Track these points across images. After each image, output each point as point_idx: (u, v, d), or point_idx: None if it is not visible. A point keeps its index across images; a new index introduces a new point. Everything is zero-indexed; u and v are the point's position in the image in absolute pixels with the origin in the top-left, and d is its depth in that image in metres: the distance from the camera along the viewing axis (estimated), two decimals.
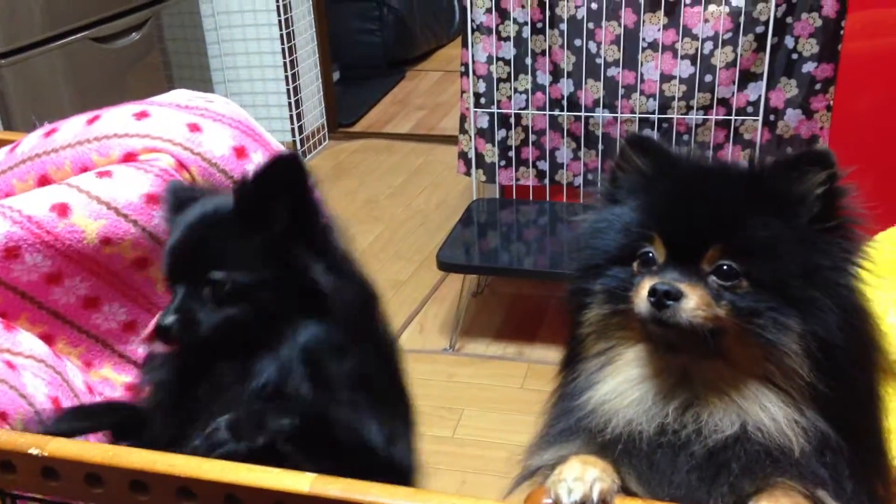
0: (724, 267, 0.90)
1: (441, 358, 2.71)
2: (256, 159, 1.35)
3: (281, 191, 1.04)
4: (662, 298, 0.88)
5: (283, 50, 4.14)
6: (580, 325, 1.00)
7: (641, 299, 0.90)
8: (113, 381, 1.31)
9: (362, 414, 1.08)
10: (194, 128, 1.32)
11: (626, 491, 0.89)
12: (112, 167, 1.29)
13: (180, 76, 3.86)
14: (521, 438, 2.24)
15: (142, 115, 1.34)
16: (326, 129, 4.65)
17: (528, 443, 1.04)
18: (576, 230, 1.07)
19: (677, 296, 0.88)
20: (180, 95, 1.38)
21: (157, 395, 1.14)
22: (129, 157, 1.31)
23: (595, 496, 0.81)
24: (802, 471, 0.88)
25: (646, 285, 0.90)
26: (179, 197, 1.14)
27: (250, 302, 1.05)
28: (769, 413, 0.90)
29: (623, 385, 0.95)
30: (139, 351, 1.33)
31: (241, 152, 1.34)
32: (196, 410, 1.08)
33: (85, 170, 1.30)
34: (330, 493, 0.87)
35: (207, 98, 1.39)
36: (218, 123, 1.34)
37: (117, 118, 1.35)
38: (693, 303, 0.88)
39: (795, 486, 0.84)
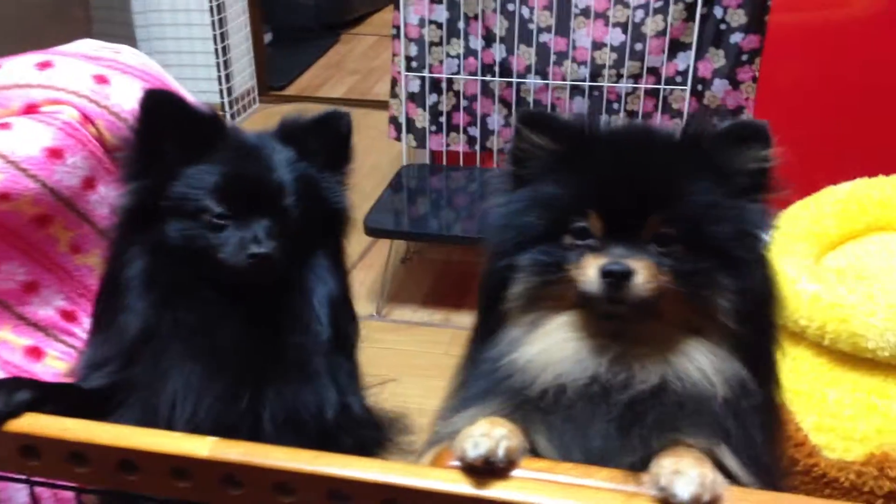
0: (664, 234, 0.93)
1: (367, 324, 2.68)
2: None
3: (327, 134, 1.13)
4: (619, 279, 0.90)
5: (212, 8, 4.01)
6: (504, 300, 1.00)
7: (591, 279, 0.91)
8: (12, 344, 1.25)
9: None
10: (101, 79, 1.26)
11: (534, 454, 0.89)
12: (11, 119, 1.23)
13: (101, 32, 3.71)
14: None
15: (45, 65, 1.28)
16: (257, 92, 4.54)
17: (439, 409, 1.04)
18: (486, 216, 1.08)
19: (630, 275, 0.90)
20: (87, 45, 1.32)
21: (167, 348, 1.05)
22: (31, 109, 1.25)
23: (501, 453, 0.81)
24: (711, 424, 0.90)
25: (592, 263, 0.92)
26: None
27: (300, 236, 1.07)
28: (696, 363, 0.93)
29: (555, 344, 0.96)
30: (40, 312, 1.27)
31: None
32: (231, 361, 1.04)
33: None
34: (230, 457, 0.85)
35: (115, 49, 1.33)
36: (127, 76, 1.29)
37: (19, 67, 1.29)
38: (643, 277, 0.90)
39: (698, 444, 0.85)
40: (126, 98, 1.25)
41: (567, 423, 0.92)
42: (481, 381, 0.99)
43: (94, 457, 0.88)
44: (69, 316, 1.29)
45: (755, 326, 0.95)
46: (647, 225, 0.93)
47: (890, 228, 1.85)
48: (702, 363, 0.93)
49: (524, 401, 0.93)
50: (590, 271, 0.91)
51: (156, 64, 1.34)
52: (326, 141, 1.13)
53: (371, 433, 1.19)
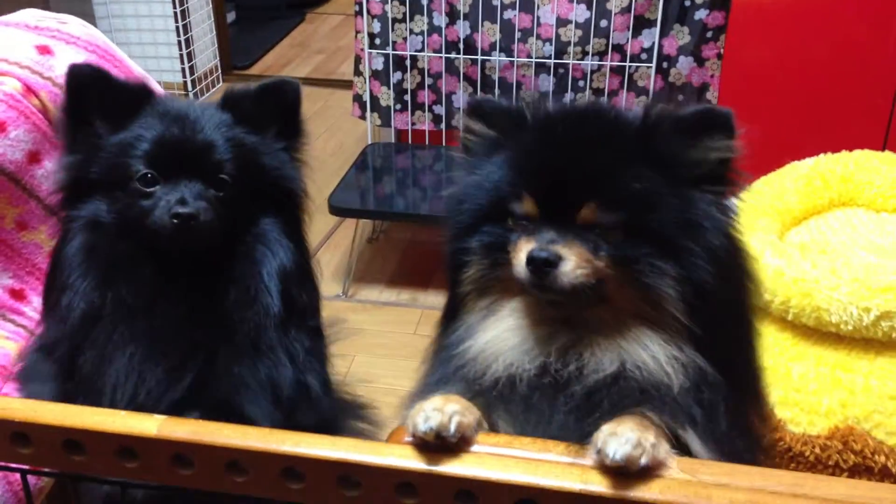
0: (600, 219, 0.89)
1: (334, 304, 2.66)
2: None
3: (272, 102, 1.08)
4: (542, 266, 0.87)
5: None
6: (461, 284, 0.98)
7: (520, 264, 0.89)
8: None
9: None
10: (44, 50, 1.21)
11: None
12: None
13: (59, 9, 3.62)
14: (410, 384, 2.21)
15: None
16: (220, 71, 4.46)
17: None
18: (446, 200, 1.06)
19: (555, 261, 0.87)
20: (29, 15, 1.27)
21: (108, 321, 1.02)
22: None
23: (452, 428, 0.78)
24: (675, 410, 0.88)
25: (523, 248, 0.90)
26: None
27: (239, 203, 1.04)
28: (649, 351, 0.90)
29: (504, 332, 0.94)
30: None
31: None
32: (176, 332, 1.02)
33: None
34: (178, 435, 0.82)
35: (60, 19, 1.28)
36: (72, 46, 1.24)
37: None
38: (572, 264, 0.87)
39: (651, 416, 0.84)
40: None
41: (527, 412, 0.90)
42: (442, 367, 0.98)
43: (39, 437, 0.85)
44: (17, 294, 1.25)
45: (712, 318, 0.91)
46: (582, 210, 0.90)
47: (852, 203, 1.86)
48: (656, 352, 0.90)
49: (482, 390, 0.91)
50: (521, 255, 0.89)
51: (102, 35, 1.29)
52: (272, 109, 1.09)
53: (331, 415, 1.16)
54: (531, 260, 0.88)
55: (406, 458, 0.77)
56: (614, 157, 0.92)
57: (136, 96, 1.04)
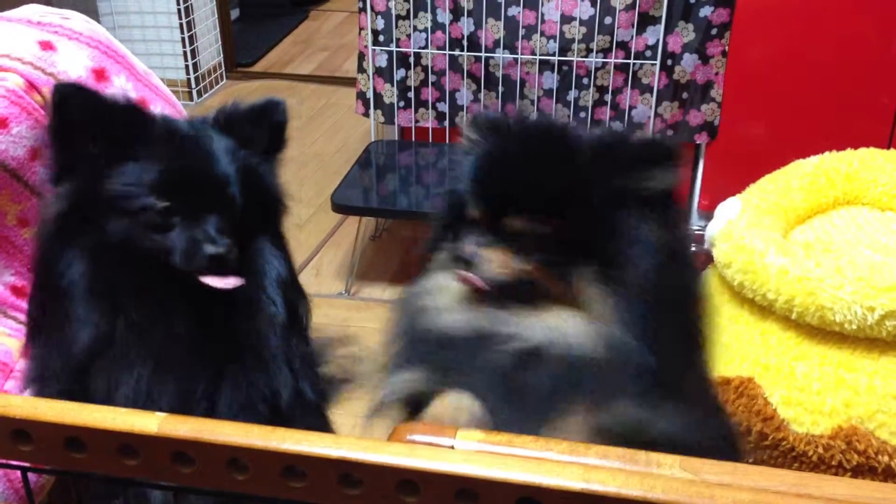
0: (530, 228, 0.99)
1: (336, 302, 2.66)
2: (118, 83, 1.25)
3: (265, 123, 1.07)
4: (465, 265, 0.98)
5: None
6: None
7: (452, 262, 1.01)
8: None
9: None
10: (47, 46, 1.21)
11: None
12: None
13: (61, 4, 3.62)
14: None
15: None
16: (224, 69, 4.46)
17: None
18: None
19: (473, 262, 0.98)
20: (32, 10, 1.27)
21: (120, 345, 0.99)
22: None
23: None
24: (608, 386, 0.94)
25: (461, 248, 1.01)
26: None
27: (247, 226, 1.04)
28: (575, 328, 0.97)
29: (442, 290, 1.04)
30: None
31: (100, 74, 1.24)
32: (189, 354, 1.01)
33: None
34: (180, 433, 0.82)
35: (63, 14, 1.28)
36: (74, 42, 1.24)
37: None
38: (491, 265, 0.98)
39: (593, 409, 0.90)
40: (73, 65, 1.20)
41: (471, 377, 0.97)
42: (402, 343, 1.08)
43: (39, 434, 0.84)
44: (19, 292, 1.24)
45: (642, 311, 0.96)
46: (514, 219, 0.99)
47: (857, 202, 1.85)
48: (579, 329, 0.96)
49: (435, 366, 0.99)
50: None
51: (105, 31, 1.29)
52: (264, 130, 1.08)
53: (322, 421, 1.17)
54: (456, 259, 1.00)
55: (407, 457, 0.76)
56: (554, 173, 1.00)
57: (130, 116, 1.00)
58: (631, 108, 2.76)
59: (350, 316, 2.58)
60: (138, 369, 0.99)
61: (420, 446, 0.78)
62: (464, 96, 2.89)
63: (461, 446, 0.80)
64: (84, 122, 0.96)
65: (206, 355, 1.02)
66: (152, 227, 0.97)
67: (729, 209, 1.73)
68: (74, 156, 0.97)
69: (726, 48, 2.62)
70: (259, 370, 1.04)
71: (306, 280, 2.77)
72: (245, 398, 1.01)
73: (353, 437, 0.78)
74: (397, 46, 2.85)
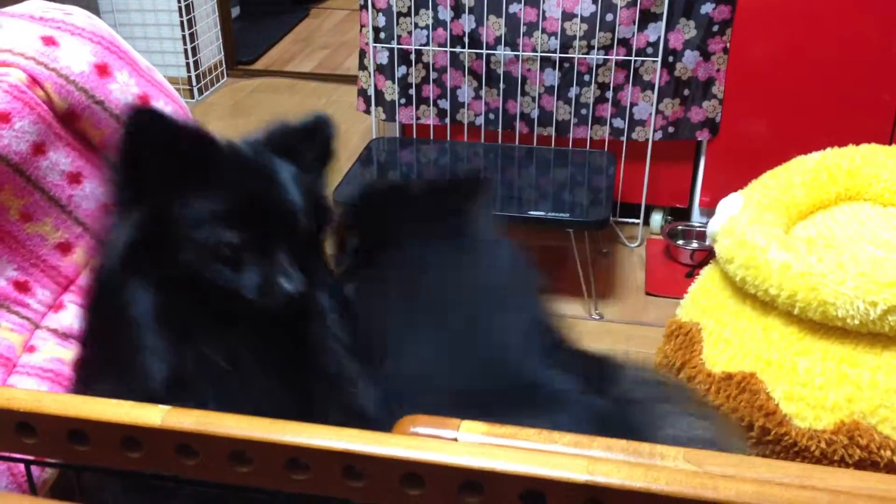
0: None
1: None
2: (121, 79, 1.25)
3: (315, 141, 1.05)
4: None
5: None
6: None
7: None
8: None
9: None
10: (49, 41, 1.21)
11: None
12: None
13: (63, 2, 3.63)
14: None
15: None
16: (225, 66, 4.47)
17: None
18: None
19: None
20: (35, 6, 1.27)
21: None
22: None
23: None
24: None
25: None
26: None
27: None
28: None
29: None
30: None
31: (102, 70, 1.24)
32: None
33: None
34: (184, 425, 0.82)
35: (66, 10, 1.28)
36: (77, 38, 1.24)
37: None
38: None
39: None
40: (75, 60, 1.20)
41: None
42: None
43: (44, 427, 0.85)
44: (22, 287, 1.24)
45: None
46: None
47: (859, 198, 1.85)
48: None
49: None
50: None
51: (107, 27, 1.29)
52: (315, 148, 1.05)
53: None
54: None
55: (411, 449, 0.77)
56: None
57: (201, 143, 0.95)
58: (632, 104, 2.76)
59: None
60: (212, 405, 0.96)
61: (423, 438, 0.78)
62: (465, 93, 2.89)
63: (465, 438, 0.80)
64: (157, 147, 0.92)
65: (291, 383, 0.99)
66: (223, 260, 0.93)
67: (731, 205, 1.73)
68: (144, 183, 0.93)
69: (728, 45, 2.62)
70: (343, 392, 1.01)
71: None
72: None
73: (356, 429, 0.78)
74: (398, 43, 2.85)
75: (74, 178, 1.24)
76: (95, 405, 0.84)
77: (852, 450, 1.45)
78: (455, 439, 0.79)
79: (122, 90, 1.25)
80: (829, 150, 1.90)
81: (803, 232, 1.77)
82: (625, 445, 0.79)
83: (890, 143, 2.37)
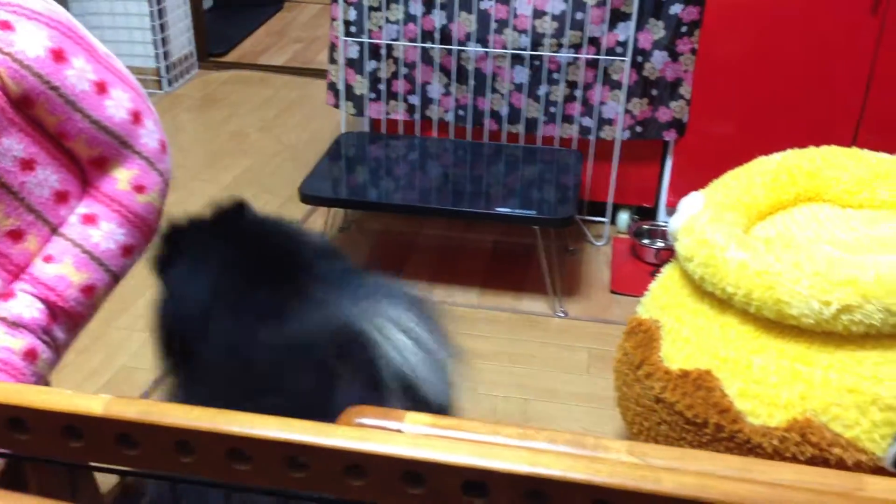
0: None
1: None
2: (77, 65, 1.23)
3: None
4: None
5: None
6: None
7: None
8: None
9: None
10: (5, 25, 1.19)
11: None
12: None
13: None
14: None
15: None
16: (196, 58, 4.43)
17: None
18: None
19: None
20: None
21: None
22: None
23: None
24: None
25: None
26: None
27: None
28: None
29: None
30: None
31: (58, 55, 1.22)
32: None
33: None
34: (126, 415, 0.81)
35: None
36: (33, 22, 1.21)
37: None
38: None
39: None
40: (31, 45, 1.18)
41: None
42: None
43: None
44: None
45: None
46: None
47: (818, 199, 1.87)
48: None
49: None
50: None
51: (65, 12, 1.27)
52: None
53: None
54: None
55: (354, 440, 0.76)
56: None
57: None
58: (601, 103, 2.77)
59: None
60: None
61: (368, 430, 0.77)
62: (435, 89, 2.89)
63: (409, 430, 0.80)
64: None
65: None
66: None
67: (691, 204, 1.75)
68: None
69: (696, 46, 2.64)
70: None
71: None
72: None
73: (300, 420, 0.78)
74: (369, 38, 2.84)
75: (27, 165, 1.22)
76: (36, 393, 0.83)
77: (804, 447, 1.47)
78: (399, 430, 0.79)
79: (79, 76, 1.23)
80: (789, 151, 1.91)
81: (763, 232, 1.79)
82: (569, 438, 0.80)
83: (853, 144, 2.40)
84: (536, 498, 0.75)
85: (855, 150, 1.88)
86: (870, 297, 1.40)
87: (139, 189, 1.31)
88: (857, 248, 1.65)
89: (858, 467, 1.44)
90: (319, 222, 2.97)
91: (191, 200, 3.15)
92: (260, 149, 3.62)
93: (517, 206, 2.47)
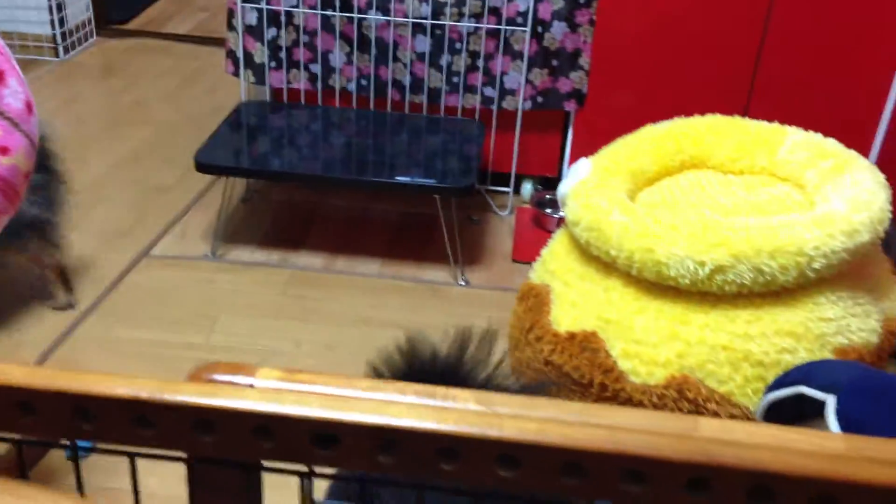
0: None
1: (201, 265, 2.60)
2: None
3: None
4: None
5: None
6: None
7: None
8: None
9: None
10: None
11: None
12: None
13: None
14: (273, 343, 2.20)
15: None
16: (94, 25, 4.27)
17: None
18: None
19: None
20: None
21: None
22: None
23: None
24: None
25: None
26: None
27: None
28: None
29: None
30: None
31: None
32: None
33: None
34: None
35: None
36: None
37: None
38: None
39: None
40: None
41: None
42: None
43: None
44: None
45: None
46: None
47: (703, 166, 1.93)
48: None
49: None
50: None
51: None
52: None
53: None
54: None
55: (202, 396, 0.75)
56: None
57: None
58: (503, 74, 2.78)
59: (214, 278, 2.53)
60: None
61: (217, 385, 0.76)
62: (336, 58, 2.86)
63: (261, 385, 0.79)
64: None
65: None
66: None
67: (580, 170, 1.77)
68: None
69: (594, 17, 2.67)
70: None
71: (171, 241, 2.70)
72: None
73: (148, 379, 0.77)
74: (268, 4, 2.78)
75: None
76: None
77: (682, 403, 1.52)
78: (251, 385, 0.78)
79: None
80: (676, 119, 1.96)
81: (649, 197, 1.83)
82: (419, 389, 0.80)
83: (745, 113, 2.47)
84: (387, 448, 0.76)
85: (737, 119, 1.94)
86: (741, 258, 1.45)
87: (2, 151, 1.26)
88: (735, 212, 1.71)
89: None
90: (219, 193, 2.91)
91: (86, 170, 3.06)
92: (161, 119, 3.52)
93: (419, 175, 2.47)
